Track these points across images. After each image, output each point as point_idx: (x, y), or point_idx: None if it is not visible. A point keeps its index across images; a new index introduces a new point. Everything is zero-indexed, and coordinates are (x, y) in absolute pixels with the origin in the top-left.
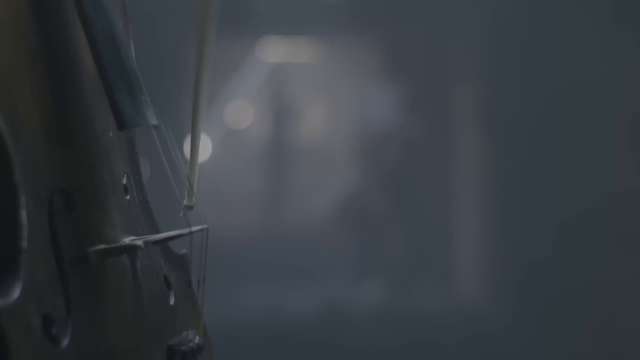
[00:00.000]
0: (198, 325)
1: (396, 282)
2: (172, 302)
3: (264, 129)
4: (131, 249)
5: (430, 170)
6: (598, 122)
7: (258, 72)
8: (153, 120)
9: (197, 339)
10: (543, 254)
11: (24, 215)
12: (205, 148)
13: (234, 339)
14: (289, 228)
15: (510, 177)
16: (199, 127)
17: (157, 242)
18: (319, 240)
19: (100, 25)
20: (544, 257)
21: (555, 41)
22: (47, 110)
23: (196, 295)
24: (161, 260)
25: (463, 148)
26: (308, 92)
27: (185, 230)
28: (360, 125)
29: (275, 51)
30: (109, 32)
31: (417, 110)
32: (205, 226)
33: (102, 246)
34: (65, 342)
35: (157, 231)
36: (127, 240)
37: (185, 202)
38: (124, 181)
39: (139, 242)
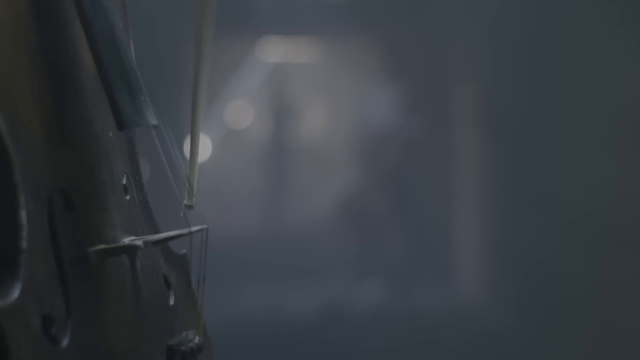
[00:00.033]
0: (198, 325)
1: (396, 282)
2: (171, 302)
3: (264, 129)
4: (131, 249)
5: (430, 170)
6: (599, 122)
7: (258, 72)
8: (153, 120)
9: (196, 339)
10: (543, 254)
11: (23, 215)
12: (205, 148)
13: (234, 339)
14: (289, 228)
15: (510, 177)
16: (198, 127)
17: (157, 242)
18: (319, 240)
19: (100, 25)
20: (544, 257)
21: (556, 41)
22: (47, 110)
23: (196, 295)
24: (161, 260)
25: (463, 148)
26: (308, 92)
27: (185, 230)
28: (360, 126)
29: (275, 51)
30: (109, 32)
31: (417, 110)
32: (205, 226)
33: (102, 246)
34: (65, 342)
35: (157, 231)
36: (127, 240)
37: (185, 202)
38: (124, 181)
39: (139, 242)
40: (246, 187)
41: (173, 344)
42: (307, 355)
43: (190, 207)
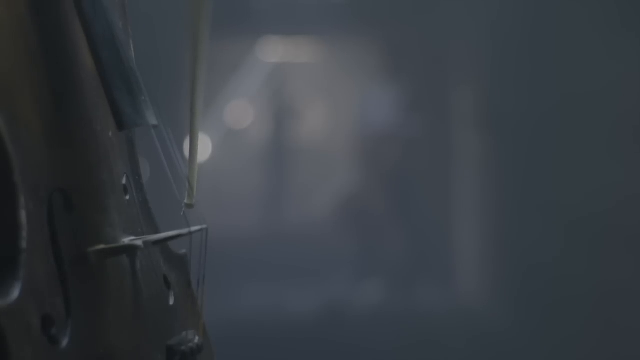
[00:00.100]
0: (198, 325)
1: (396, 282)
2: (171, 302)
3: (264, 129)
4: (131, 249)
5: (430, 170)
6: (599, 123)
7: (258, 72)
8: (152, 120)
9: (196, 339)
10: (544, 254)
11: (23, 215)
12: (205, 148)
13: (234, 339)
14: (289, 228)
15: (510, 177)
16: (197, 124)
17: (156, 242)
18: (319, 240)
19: (100, 25)
20: (544, 257)
21: (557, 41)
22: (47, 110)
23: (196, 295)
24: (161, 260)
25: (463, 148)
26: (308, 92)
27: (184, 230)
28: (360, 126)
29: (275, 51)
30: (109, 33)
31: (417, 110)
32: (204, 226)
33: (102, 246)
34: (64, 342)
35: (157, 231)
36: (127, 240)
37: (186, 201)
38: (124, 181)
39: (139, 242)
40: (246, 187)
41: (173, 344)
42: (307, 355)
43: (190, 206)
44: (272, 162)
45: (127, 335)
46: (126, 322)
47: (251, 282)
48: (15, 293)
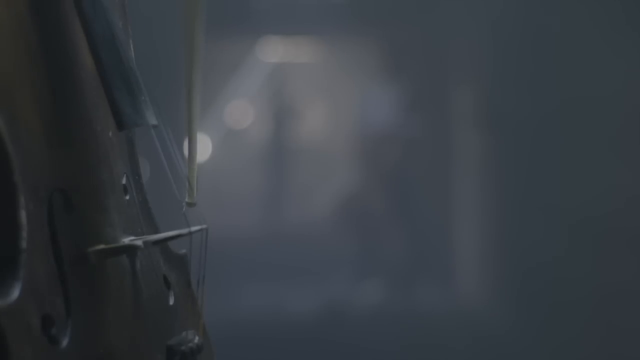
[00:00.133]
0: (197, 325)
1: (396, 282)
2: (171, 302)
3: (264, 129)
4: (131, 249)
5: (430, 170)
6: (601, 122)
7: (258, 72)
8: (152, 120)
9: (196, 339)
10: (544, 254)
11: (23, 215)
12: (205, 148)
13: (234, 339)
14: (289, 228)
15: (510, 177)
16: (195, 120)
17: (156, 242)
18: (319, 240)
19: (100, 25)
20: (545, 257)
21: (557, 40)
22: (47, 110)
23: (196, 295)
24: (161, 260)
25: (463, 148)
26: (308, 92)
27: (184, 230)
28: (360, 126)
29: (275, 51)
30: (109, 33)
31: (417, 110)
32: (204, 226)
33: (102, 246)
34: (64, 342)
35: (157, 231)
36: (127, 240)
37: (186, 199)
38: (124, 181)
39: (139, 242)
40: (246, 187)
41: (173, 344)
42: (307, 355)
43: (191, 204)
44: (272, 162)
45: (127, 335)
46: (126, 322)
47: (251, 282)
48: (15, 293)
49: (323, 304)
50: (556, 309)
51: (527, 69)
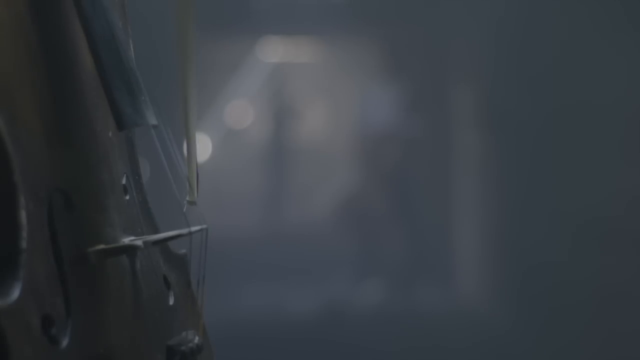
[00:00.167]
0: (197, 325)
1: (396, 282)
2: (171, 302)
3: (264, 129)
4: (131, 249)
5: (430, 171)
6: (601, 122)
7: (258, 72)
8: (152, 120)
9: (196, 339)
10: (544, 255)
11: (23, 215)
12: (205, 148)
13: (234, 339)
14: (289, 228)
15: (510, 177)
16: (191, 115)
17: (156, 242)
18: (319, 240)
19: (100, 25)
20: (545, 258)
21: (557, 40)
22: (47, 110)
23: (196, 296)
24: (160, 260)
25: (463, 148)
26: (308, 92)
27: (184, 230)
28: (360, 126)
29: (275, 51)
30: (109, 32)
31: (417, 110)
32: (204, 226)
33: (102, 246)
34: (64, 342)
35: (157, 231)
36: (127, 240)
37: (187, 198)
38: (124, 181)
39: (139, 242)
40: (246, 187)
41: (173, 344)
42: (307, 355)
43: (192, 202)
44: (272, 162)
45: (127, 335)
46: (126, 322)
47: (251, 282)
48: (15, 293)
49: (323, 304)
50: (556, 309)
51: (527, 69)
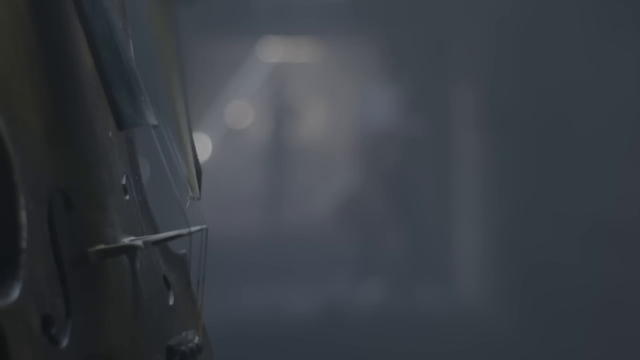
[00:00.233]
0: (197, 325)
1: (396, 282)
2: (171, 302)
3: (264, 129)
4: (130, 249)
5: (430, 170)
6: (601, 122)
7: (258, 72)
8: (152, 120)
9: (196, 339)
10: (544, 255)
11: (23, 215)
12: (205, 148)
13: (234, 339)
14: (289, 228)
15: (510, 177)
16: (186, 113)
17: (156, 242)
18: (319, 240)
19: (100, 25)
20: (545, 258)
21: (556, 40)
22: (47, 110)
23: (196, 296)
24: (160, 260)
25: (463, 148)
26: (308, 92)
27: (184, 231)
28: (360, 126)
29: (275, 51)
30: (108, 32)
31: (417, 110)
32: (204, 226)
33: (102, 246)
34: (64, 342)
35: (157, 231)
36: (127, 240)
37: (190, 194)
38: (123, 181)
39: (139, 243)
40: (246, 187)
41: (172, 344)
42: (307, 355)
43: (194, 198)
44: (272, 162)
45: (127, 335)
46: (126, 322)
47: (251, 283)
48: (15, 293)
49: (323, 304)
50: (558, 310)
51: (528, 69)
